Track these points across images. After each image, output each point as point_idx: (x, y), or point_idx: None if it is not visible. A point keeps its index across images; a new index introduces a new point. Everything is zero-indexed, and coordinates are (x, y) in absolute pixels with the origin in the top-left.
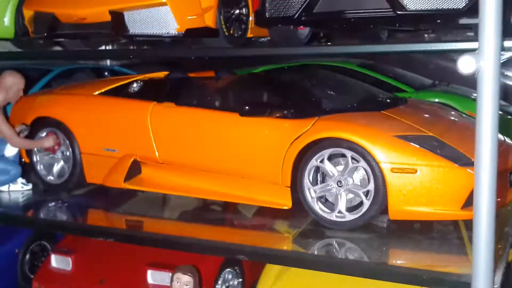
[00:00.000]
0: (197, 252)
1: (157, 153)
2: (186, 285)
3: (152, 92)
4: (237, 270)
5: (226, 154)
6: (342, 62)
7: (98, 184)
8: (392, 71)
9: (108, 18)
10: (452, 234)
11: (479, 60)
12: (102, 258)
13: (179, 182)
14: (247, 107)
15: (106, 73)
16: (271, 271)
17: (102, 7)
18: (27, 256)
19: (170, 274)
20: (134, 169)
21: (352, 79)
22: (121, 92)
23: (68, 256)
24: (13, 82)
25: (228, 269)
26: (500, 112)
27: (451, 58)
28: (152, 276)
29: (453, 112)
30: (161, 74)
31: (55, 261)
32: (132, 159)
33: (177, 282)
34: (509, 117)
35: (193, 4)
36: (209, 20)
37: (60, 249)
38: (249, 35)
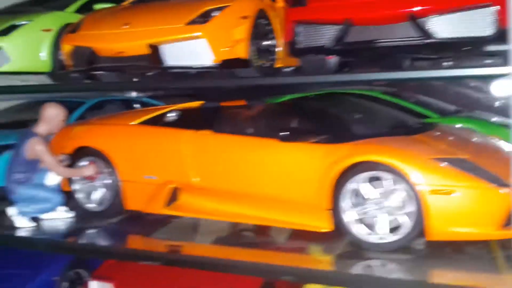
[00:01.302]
0: (242, 274)
1: (195, 180)
2: None
3: (189, 121)
4: None
5: (264, 179)
6: (367, 90)
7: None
8: (414, 98)
9: (145, 51)
10: (485, 253)
11: None
12: (141, 284)
13: (217, 207)
14: (286, 133)
15: (135, 105)
16: None
17: (140, 41)
18: (64, 284)
19: None
20: (173, 195)
21: (380, 106)
22: (158, 122)
23: (109, 282)
24: (55, 113)
25: None
26: None
27: (468, 85)
28: None
29: (480, 136)
30: (197, 104)
31: (96, 287)
32: (172, 186)
33: None
34: None
35: (226, 37)
36: (240, 51)
37: (100, 275)
38: (277, 65)
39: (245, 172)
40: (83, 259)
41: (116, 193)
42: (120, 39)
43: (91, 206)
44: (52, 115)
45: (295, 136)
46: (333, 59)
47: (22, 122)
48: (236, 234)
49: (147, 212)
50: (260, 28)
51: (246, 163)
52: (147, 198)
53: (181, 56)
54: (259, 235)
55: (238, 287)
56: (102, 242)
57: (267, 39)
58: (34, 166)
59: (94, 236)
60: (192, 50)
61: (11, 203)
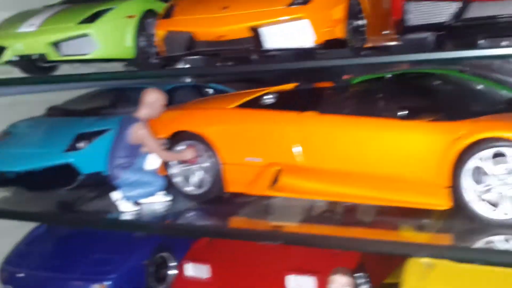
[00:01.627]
0: (355, 249)
1: (300, 160)
2: (345, 287)
3: (288, 103)
4: (366, 275)
5: (377, 158)
6: (444, 69)
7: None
8: (491, 76)
9: (246, 34)
10: None
11: None
12: (238, 265)
13: (325, 188)
14: (405, 112)
15: (207, 90)
16: (414, 270)
17: (242, 24)
18: (151, 268)
19: (311, 278)
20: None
21: (478, 84)
22: (256, 105)
23: (206, 264)
24: (156, 98)
25: (358, 274)
26: None
27: None
28: (291, 281)
29: None
30: (291, 86)
31: (192, 269)
32: (276, 168)
33: (335, 284)
34: None
35: (327, 17)
36: (338, 31)
37: (195, 257)
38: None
39: (357, 152)
40: (168, 244)
41: (216, 175)
42: (221, 23)
43: (189, 189)
44: (153, 100)
45: (414, 114)
46: (430, 37)
47: (101, 109)
48: (321, 214)
49: (249, 193)
50: (352, 8)
51: (359, 143)
52: (249, 180)
53: (282, 38)
54: (348, 214)
55: (334, 265)
56: (203, 222)
57: (358, 19)
58: (136, 151)
59: (195, 217)
60: (293, 32)
61: (114, 187)
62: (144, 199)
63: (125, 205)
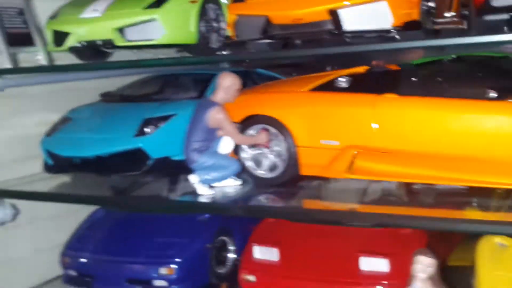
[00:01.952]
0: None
1: (381, 143)
2: (429, 267)
3: (363, 85)
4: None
5: (460, 139)
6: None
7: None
8: None
9: (324, 17)
10: None
11: None
12: (308, 247)
13: (405, 170)
14: (494, 93)
15: (256, 76)
16: (487, 251)
17: (321, 6)
18: (214, 251)
19: (384, 260)
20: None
21: None
22: (330, 87)
23: (275, 247)
24: (232, 82)
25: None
26: None
27: None
28: (364, 262)
29: None
30: (361, 69)
31: (260, 252)
32: (355, 151)
33: (420, 265)
34: None
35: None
36: (414, 13)
37: (263, 240)
38: None
39: (440, 133)
40: (227, 227)
41: (291, 159)
42: (299, 6)
43: (261, 173)
44: (230, 84)
45: (501, 95)
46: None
47: (158, 94)
48: (388, 196)
49: (326, 176)
50: None
51: (442, 125)
52: (326, 163)
53: (361, 20)
54: (414, 195)
55: (403, 248)
56: (276, 203)
57: (430, 0)
58: (212, 135)
59: (265, 199)
60: (372, 14)
61: (190, 170)
62: (218, 183)
63: (201, 188)
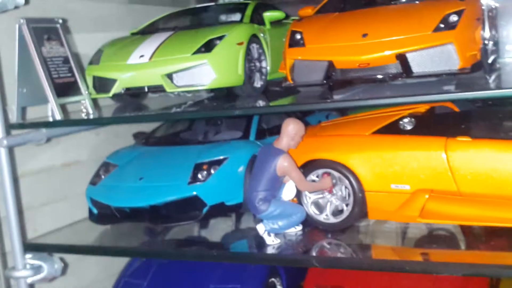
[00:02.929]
0: None
1: (452, 186)
2: None
3: (430, 127)
4: None
5: None
6: None
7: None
8: None
9: (391, 61)
10: None
11: None
12: None
13: (478, 212)
14: None
15: None
16: None
17: (388, 52)
18: None
19: None
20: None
21: None
22: (394, 130)
23: None
24: (298, 129)
25: None
26: None
27: None
28: None
29: None
30: (422, 109)
31: None
32: (426, 194)
33: None
34: None
35: (471, 40)
36: (479, 54)
37: (322, 283)
38: None
39: None
40: (277, 268)
41: (357, 204)
42: (365, 51)
43: (324, 218)
44: (296, 131)
45: None
46: None
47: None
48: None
49: (396, 221)
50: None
51: None
52: (396, 208)
53: (428, 63)
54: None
55: None
56: (336, 253)
57: (486, 40)
58: (278, 183)
59: (328, 248)
60: (439, 57)
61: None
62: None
63: (269, 238)
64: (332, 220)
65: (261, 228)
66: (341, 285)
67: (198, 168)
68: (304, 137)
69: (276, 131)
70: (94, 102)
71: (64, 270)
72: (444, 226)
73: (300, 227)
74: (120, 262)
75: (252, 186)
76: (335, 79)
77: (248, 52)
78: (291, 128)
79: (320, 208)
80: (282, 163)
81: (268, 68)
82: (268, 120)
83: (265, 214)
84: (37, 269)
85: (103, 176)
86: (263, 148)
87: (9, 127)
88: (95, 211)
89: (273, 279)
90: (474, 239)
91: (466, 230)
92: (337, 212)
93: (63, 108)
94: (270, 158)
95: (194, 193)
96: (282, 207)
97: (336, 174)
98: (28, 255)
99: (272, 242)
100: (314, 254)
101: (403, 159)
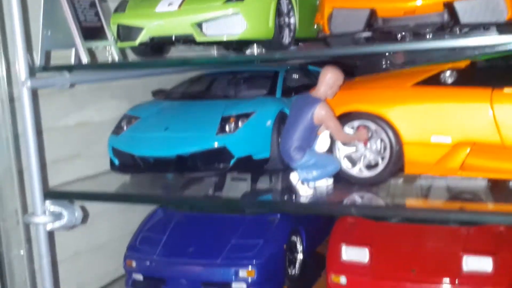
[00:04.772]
0: None
1: (499, 139)
2: None
3: (472, 80)
4: None
5: None
6: None
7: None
8: None
9: (439, 9)
10: None
11: None
12: (401, 246)
13: None
14: None
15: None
16: None
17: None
18: (287, 252)
19: (488, 259)
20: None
21: None
22: (436, 82)
23: (365, 246)
24: (336, 77)
25: None
26: None
27: None
28: (468, 262)
29: None
30: (462, 64)
31: (349, 253)
32: (468, 146)
33: None
34: None
35: None
36: None
37: (350, 240)
38: None
39: None
40: (298, 228)
41: (394, 157)
42: None
43: (357, 171)
44: (334, 80)
45: None
46: None
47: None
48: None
49: (433, 174)
50: None
51: None
52: (435, 161)
53: (475, 13)
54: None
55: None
56: (379, 202)
57: None
58: (314, 132)
59: (367, 197)
60: (487, 7)
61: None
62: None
63: (303, 188)
64: (366, 173)
65: (294, 177)
66: (368, 242)
67: (225, 120)
68: (340, 90)
69: (301, 90)
70: None
71: (83, 220)
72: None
73: (331, 181)
74: (138, 220)
75: (288, 134)
76: (376, 28)
77: (278, 6)
78: (330, 77)
79: (353, 162)
80: (319, 111)
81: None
82: (292, 79)
83: (300, 163)
84: (57, 216)
85: (125, 127)
86: (299, 97)
87: (32, 70)
88: (116, 161)
89: (294, 238)
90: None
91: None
92: (371, 166)
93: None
94: (307, 107)
95: (223, 143)
96: (317, 157)
97: (373, 126)
98: (49, 202)
99: (306, 192)
100: (350, 202)
101: (445, 111)
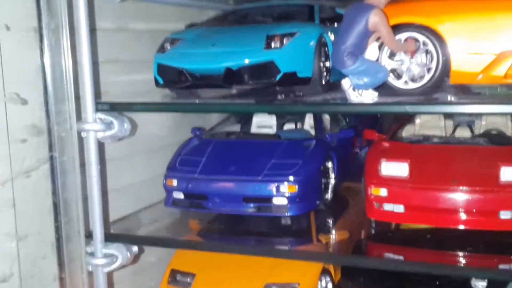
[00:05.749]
0: None
1: None
2: None
3: None
4: None
5: None
6: None
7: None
8: None
9: None
10: None
11: None
12: (439, 160)
13: None
14: None
15: None
16: None
17: None
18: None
19: None
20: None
21: None
22: None
23: (404, 161)
24: None
25: None
26: None
27: None
28: (505, 172)
29: None
30: None
31: (389, 168)
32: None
33: None
34: None
35: None
36: None
37: (390, 155)
38: None
39: None
40: (331, 154)
41: (440, 68)
42: None
43: (402, 83)
44: None
45: None
46: None
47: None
48: None
49: (480, 83)
50: None
51: None
52: (481, 70)
53: None
54: None
55: None
56: None
57: None
58: (366, 39)
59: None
60: None
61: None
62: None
63: (353, 94)
64: (412, 85)
65: (346, 83)
66: (408, 158)
67: (270, 38)
68: (390, 2)
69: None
70: None
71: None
72: None
73: (376, 94)
74: None
75: (341, 40)
76: None
77: None
78: None
79: (397, 76)
80: (374, 17)
81: None
82: (327, 10)
83: (351, 68)
84: (107, 125)
85: (169, 47)
86: (353, 5)
87: None
88: (160, 80)
89: (328, 164)
90: None
91: None
92: (416, 77)
93: None
94: (361, 12)
95: (271, 57)
96: (368, 63)
97: (421, 38)
98: (100, 113)
99: (356, 98)
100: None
101: (493, 21)
